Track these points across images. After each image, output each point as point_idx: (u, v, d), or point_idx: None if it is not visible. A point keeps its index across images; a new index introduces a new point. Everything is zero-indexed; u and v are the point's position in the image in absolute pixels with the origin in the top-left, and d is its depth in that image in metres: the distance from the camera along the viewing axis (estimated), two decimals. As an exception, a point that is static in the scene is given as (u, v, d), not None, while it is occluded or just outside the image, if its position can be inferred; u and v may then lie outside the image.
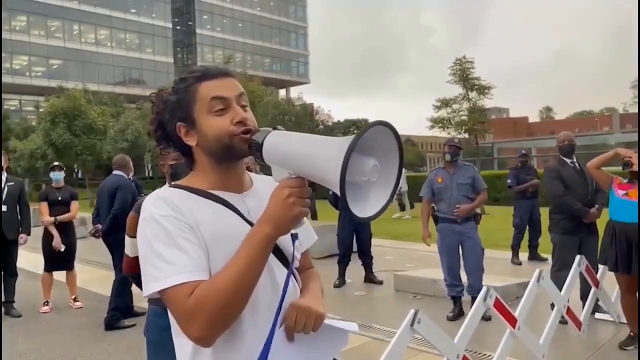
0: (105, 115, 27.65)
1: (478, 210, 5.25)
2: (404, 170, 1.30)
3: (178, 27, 53.72)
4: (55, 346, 4.64)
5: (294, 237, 1.15)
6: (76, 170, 35.61)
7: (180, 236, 1.09)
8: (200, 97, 1.19)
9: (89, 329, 5.15)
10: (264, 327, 1.13)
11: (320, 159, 0.98)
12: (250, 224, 1.18)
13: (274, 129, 1.12)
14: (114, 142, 30.32)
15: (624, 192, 4.01)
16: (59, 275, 6.05)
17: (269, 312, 1.15)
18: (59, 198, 5.87)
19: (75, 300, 5.96)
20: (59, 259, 5.80)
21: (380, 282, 6.57)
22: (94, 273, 7.57)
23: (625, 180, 4.06)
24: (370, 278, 6.66)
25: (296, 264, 1.28)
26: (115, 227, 4.89)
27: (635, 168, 3.91)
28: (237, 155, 1.19)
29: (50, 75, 42.87)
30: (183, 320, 1.06)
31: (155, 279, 1.08)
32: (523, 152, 8.35)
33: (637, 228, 3.88)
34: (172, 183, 1.26)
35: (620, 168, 4.15)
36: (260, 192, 1.25)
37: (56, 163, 6.19)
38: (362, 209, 0.98)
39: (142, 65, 49.69)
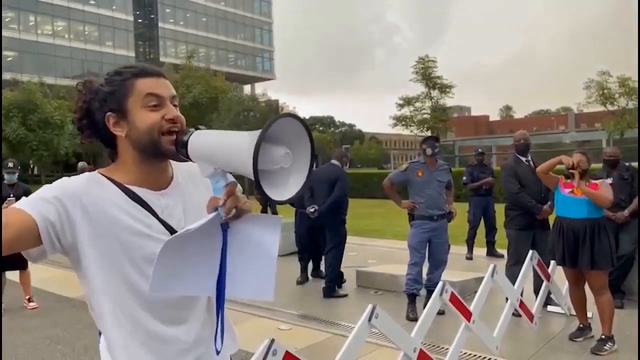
0: (63, 109, 26.72)
1: (452, 209, 5.31)
2: None
3: (140, 20, 52.37)
4: (8, 349, 4.49)
5: (225, 226, 1.14)
6: (32, 166, 34.42)
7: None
8: (135, 91, 1.24)
9: (44, 330, 5.01)
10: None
11: (236, 152, 1.04)
12: (163, 222, 1.24)
13: (197, 128, 1.18)
14: (72, 137, 29.35)
15: (570, 190, 4.19)
16: (12, 275, 5.85)
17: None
18: (11, 195, 5.67)
19: (29, 300, 5.78)
20: (11, 258, 5.50)
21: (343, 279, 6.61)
22: (48, 272, 7.33)
23: (569, 180, 4.25)
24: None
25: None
26: (334, 210, 5.79)
27: (574, 183, 4.09)
28: (162, 153, 1.22)
29: (5, 68, 40.99)
30: None
31: None
32: (479, 150, 8.59)
33: (583, 224, 4.06)
34: (97, 170, 1.30)
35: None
36: (181, 187, 1.32)
37: (10, 164, 5.87)
38: (281, 193, 1.06)
39: (102, 58, 48.25)
